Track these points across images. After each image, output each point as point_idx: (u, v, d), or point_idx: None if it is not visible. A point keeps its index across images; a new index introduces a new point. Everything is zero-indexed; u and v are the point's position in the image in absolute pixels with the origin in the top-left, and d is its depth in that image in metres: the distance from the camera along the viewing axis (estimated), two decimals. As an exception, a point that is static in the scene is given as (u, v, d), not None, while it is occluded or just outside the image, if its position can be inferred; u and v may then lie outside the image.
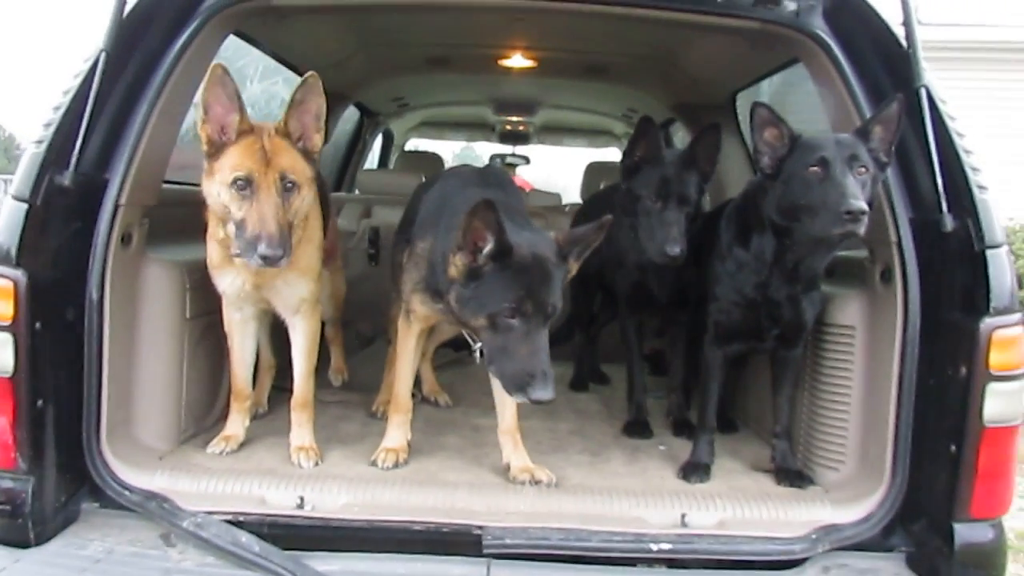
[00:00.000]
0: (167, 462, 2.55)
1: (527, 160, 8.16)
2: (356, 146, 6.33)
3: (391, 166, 7.14)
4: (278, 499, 2.34)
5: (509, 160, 8.16)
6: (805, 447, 2.79)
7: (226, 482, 2.40)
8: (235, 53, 4.04)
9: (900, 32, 2.44)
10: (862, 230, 2.27)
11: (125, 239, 2.45)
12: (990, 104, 11.48)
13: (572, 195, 6.55)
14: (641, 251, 2.90)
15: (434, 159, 6.80)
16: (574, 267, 2.38)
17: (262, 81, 4.52)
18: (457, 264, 2.26)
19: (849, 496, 2.47)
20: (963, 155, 2.30)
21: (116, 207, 2.40)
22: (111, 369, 2.40)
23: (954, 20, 12.32)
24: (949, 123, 2.33)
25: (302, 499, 2.33)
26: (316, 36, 3.89)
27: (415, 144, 8.03)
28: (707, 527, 2.35)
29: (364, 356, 4.23)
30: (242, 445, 2.78)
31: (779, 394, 2.78)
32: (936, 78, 2.42)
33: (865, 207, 2.25)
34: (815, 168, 2.38)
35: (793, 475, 2.67)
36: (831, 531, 2.35)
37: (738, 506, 2.42)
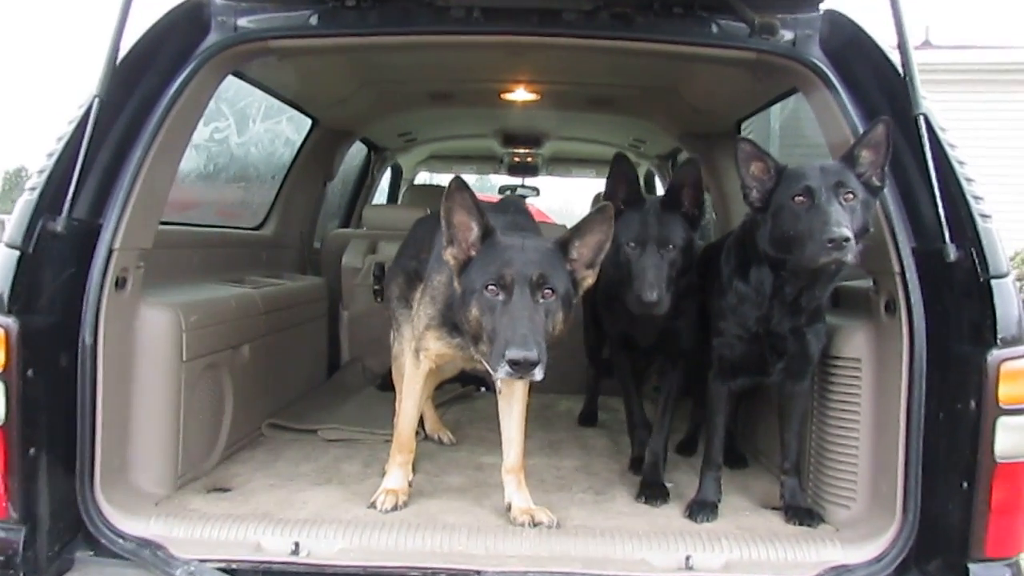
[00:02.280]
0: (163, 508, 2.51)
1: (537, 191, 8.15)
2: (364, 181, 6.36)
3: (400, 200, 7.16)
4: (273, 545, 2.30)
5: (520, 192, 8.16)
6: (815, 483, 2.71)
7: (221, 528, 2.36)
8: (236, 94, 4.08)
9: (898, 60, 2.41)
10: (849, 257, 2.23)
11: (120, 283, 2.45)
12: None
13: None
14: (624, 297, 2.78)
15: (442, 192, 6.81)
16: (587, 273, 2.36)
17: (265, 121, 4.54)
18: (450, 259, 2.35)
19: (860, 535, 2.40)
20: (964, 183, 2.25)
21: (110, 252, 2.40)
22: (105, 414, 2.38)
23: (968, 42, 12.32)
24: (949, 151, 2.29)
25: (297, 545, 2.29)
26: (317, 75, 3.91)
27: (425, 178, 8.06)
28: (713, 569, 2.28)
29: (372, 393, 4.20)
30: (238, 488, 2.75)
31: (787, 429, 2.72)
32: (936, 103, 2.39)
33: (847, 234, 2.20)
34: (800, 198, 2.35)
35: (803, 513, 2.60)
36: (842, 572, 2.28)
37: (745, 547, 2.35)
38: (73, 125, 2.31)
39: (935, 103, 2.39)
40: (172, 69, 2.55)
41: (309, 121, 4.61)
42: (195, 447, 2.83)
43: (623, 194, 2.78)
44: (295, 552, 2.27)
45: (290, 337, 3.87)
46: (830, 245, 2.21)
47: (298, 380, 4.06)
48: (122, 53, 2.42)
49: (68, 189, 2.26)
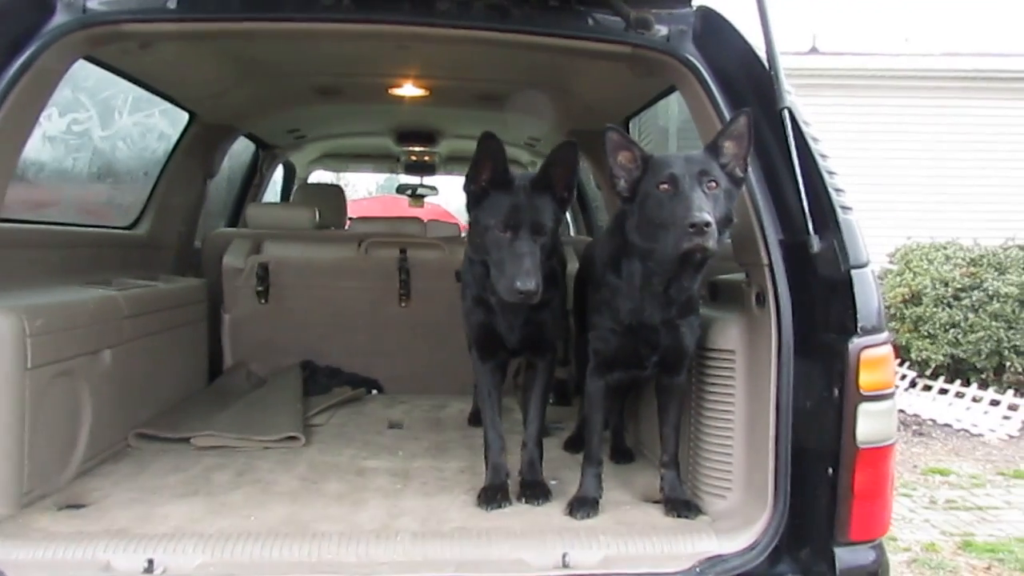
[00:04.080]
0: (4, 529, 2.31)
1: (435, 190, 8.07)
2: (252, 180, 6.13)
3: (291, 199, 6.95)
4: (124, 563, 2.14)
5: (419, 191, 8.07)
6: (693, 475, 2.73)
7: (68, 548, 2.19)
8: (98, 83, 3.83)
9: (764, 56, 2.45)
10: (711, 243, 2.22)
11: (-49, 285, 2.24)
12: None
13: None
14: (491, 288, 2.63)
15: (335, 191, 6.65)
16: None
17: (134, 113, 4.29)
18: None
19: (735, 525, 2.42)
20: (827, 176, 2.30)
21: (-61, 250, 2.19)
22: None
23: (853, 49, 12.90)
24: (812, 144, 2.34)
25: (151, 562, 2.14)
26: (190, 66, 3.71)
27: (319, 177, 7.85)
28: (590, 566, 2.25)
29: (254, 399, 4.02)
30: (94, 504, 2.57)
31: (665, 422, 2.72)
32: (823, 107, 2.43)
33: (707, 219, 2.19)
34: (665, 185, 2.34)
35: (681, 505, 2.61)
36: (716, 562, 2.29)
37: (623, 541, 2.34)
38: None
39: (822, 107, 2.44)
40: (9, 52, 2.35)
41: (186, 115, 4.39)
42: (45, 461, 2.62)
43: (489, 175, 2.59)
44: (148, 570, 2.13)
45: (163, 341, 3.66)
46: (691, 230, 2.20)
47: (173, 387, 3.85)
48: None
49: None
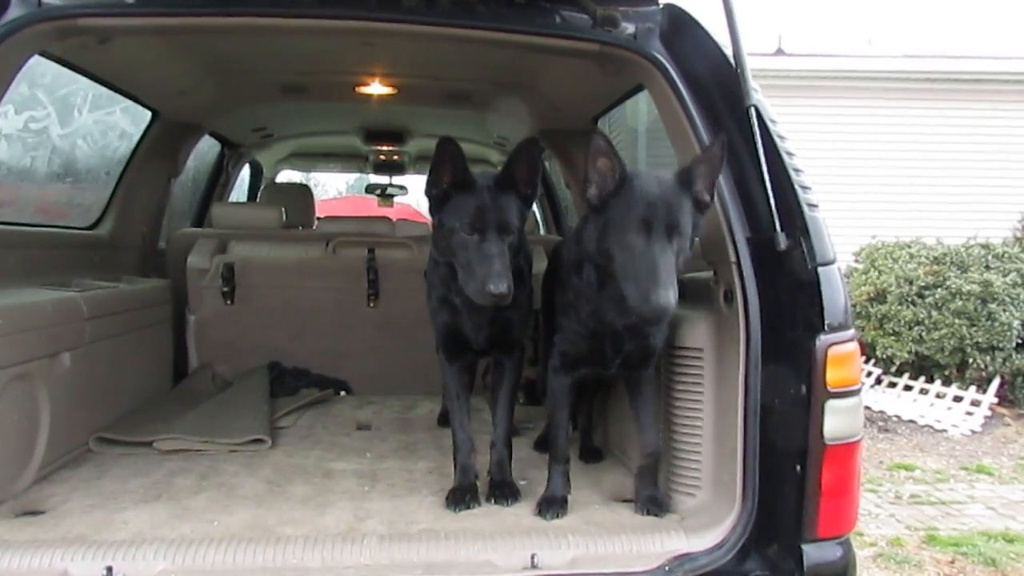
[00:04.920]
0: (-44, 537, 2.25)
1: (404, 190, 8.02)
2: (218, 179, 6.04)
3: (258, 199, 6.86)
4: (82, 571, 2.09)
5: (388, 191, 8.01)
6: (664, 474, 2.72)
7: (23, 556, 2.12)
8: (56, 80, 3.74)
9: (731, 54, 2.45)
10: (672, 303, 2.18)
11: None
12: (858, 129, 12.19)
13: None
14: (457, 290, 2.60)
15: (303, 190, 6.57)
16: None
17: (94, 111, 4.19)
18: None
19: (703, 523, 2.42)
20: (793, 174, 2.31)
21: None
22: None
23: (818, 51, 13.05)
24: (779, 142, 2.34)
25: (110, 569, 2.09)
26: (151, 62, 3.63)
27: (288, 176, 7.76)
28: (558, 566, 2.24)
29: (220, 401, 3.95)
30: (52, 511, 2.50)
31: (642, 415, 2.69)
32: (789, 108, 2.44)
33: (672, 299, 2.17)
34: (633, 235, 2.26)
35: (654, 503, 2.60)
36: (685, 560, 2.29)
37: (592, 541, 2.33)
38: None
39: (788, 108, 2.44)
40: (-39, 46, 2.29)
41: (148, 113, 4.31)
42: (1, 467, 2.55)
43: (450, 177, 2.56)
44: (108, 577, 2.08)
45: (125, 344, 3.59)
46: (653, 308, 2.19)
47: (136, 390, 3.77)
48: None
49: None
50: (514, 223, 2.54)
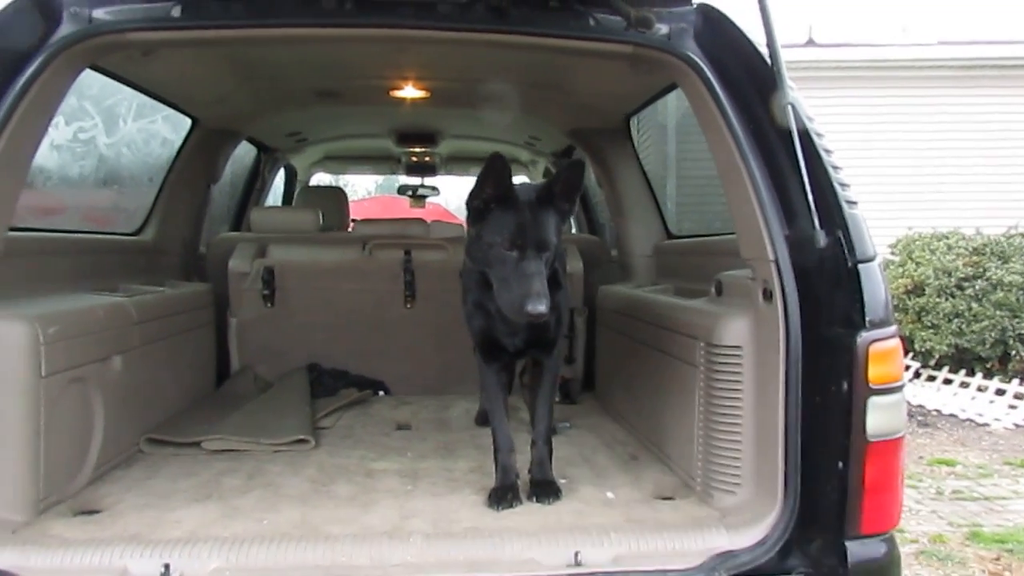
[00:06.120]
0: (21, 535, 2.33)
1: (436, 191, 8.08)
2: (255, 183, 6.15)
3: (294, 202, 6.97)
4: (141, 568, 2.16)
5: (420, 192, 8.08)
6: (704, 471, 2.74)
7: (84, 554, 2.20)
8: (102, 91, 3.85)
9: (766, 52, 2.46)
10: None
11: (-37, 295, 2.25)
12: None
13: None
14: (493, 298, 2.63)
15: (337, 193, 6.66)
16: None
17: (138, 120, 4.31)
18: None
19: (745, 520, 2.43)
20: (831, 171, 2.31)
21: (-48, 261, 2.20)
22: None
23: (849, 40, 12.90)
24: (817, 140, 2.34)
25: (167, 567, 2.15)
26: (191, 72, 3.72)
27: (320, 179, 7.87)
28: (601, 564, 2.26)
29: (262, 402, 4.04)
30: (108, 510, 2.59)
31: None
32: (820, 99, 2.45)
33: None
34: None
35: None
36: (727, 558, 2.30)
37: (634, 539, 2.35)
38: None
39: (820, 99, 2.45)
40: (17, 63, 2.36)
41: (188, 120, 4.41)
42: (59, 468, 2.64)
43: (492, 192, 2.58)
44: (165, 575, 2.14)
45: (171, 347, 3.68)
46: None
47: (182, 391, 3.87)
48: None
49: None
50: (553, 241, 2.58)
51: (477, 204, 2.62)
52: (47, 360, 2.52)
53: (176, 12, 2.52)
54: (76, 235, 3.72)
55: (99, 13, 2.49)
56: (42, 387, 2.51)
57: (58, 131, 3.77)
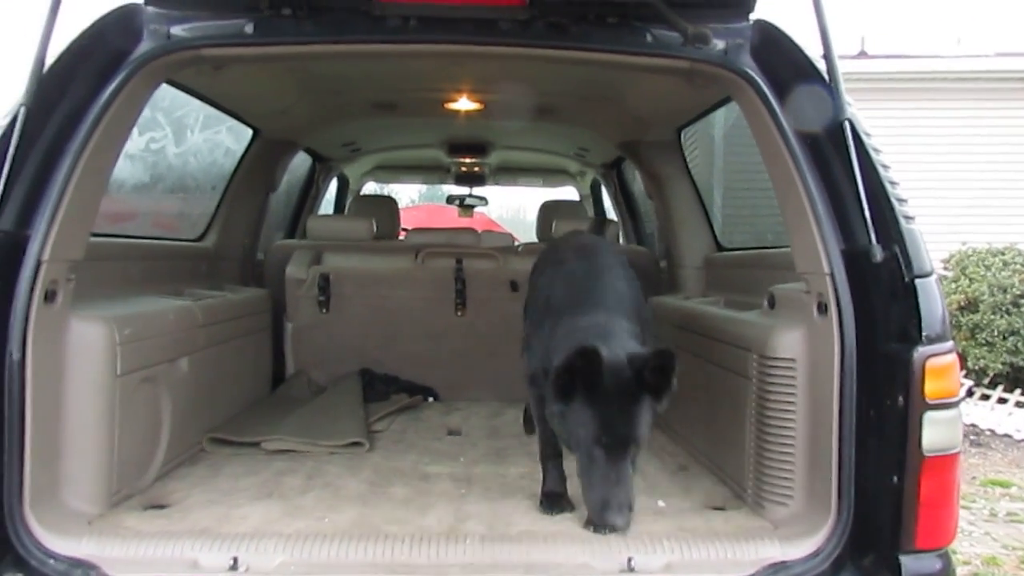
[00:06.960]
0: (96, 527, 2.45)
1: (485, 201, 8.18)
2: (309, 192, 6.31)
3: (346, 211, 7.12)
4: (210, 561, 2.25)
5: (468, 201, 8.18)
6: (755, 482, 2.76)
7: (156, 546, 2.31)
8: (172, 103, 4.01)
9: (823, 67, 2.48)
10: None
11: (49, 296, 2.37)
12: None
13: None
14: None
15: (389, 203, 6.79)
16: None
17: (204, 131, 4.48)
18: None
19: (798, 532, 2.44)
20: (888, 186, 2.33)
21: (38, 264, 2.33)
22: (35, 431, 2.31)
23: (902, 52, 12.72)
24: (874, 155, 2.36)
25: (235, 560, 2.25)
26: (256, 85, 3.87)
27: (371, 188, 8.02)
28: (654, 571, 2.29)
29: (317, 405, 4.14)
30: (176, 505, 2.70)
31: None
32: (873, 111, 2.46)
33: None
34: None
35: None
36: (780, 569, 2.31)
37: (686, 547, 2.38)
38: (-2, 136, 2.25)
39: (872, 111, 2.46)
40: (102, 78, 2.49)
41: (250, 131, 4.56)
42: (131, 463, 2.76)
43: (581, 384, 2.42)
44: (233, 567, 2.23)
45: (232, 350, 3.81)
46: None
47: (241, 393, 4.00)
48: (49, 61, 2.38)
49: (-8, 201, 2.20)
50: (645, 436, 2.48)
51: (563, 383, 2.43)
52: (122, 360, 2.65)
53: (249, 29, 2.64)
54: (147, 241, 3.88)
55: (177, 30, 2.62)
56: (117, 386, 2.63)
57: (132, 141, 3.94)
